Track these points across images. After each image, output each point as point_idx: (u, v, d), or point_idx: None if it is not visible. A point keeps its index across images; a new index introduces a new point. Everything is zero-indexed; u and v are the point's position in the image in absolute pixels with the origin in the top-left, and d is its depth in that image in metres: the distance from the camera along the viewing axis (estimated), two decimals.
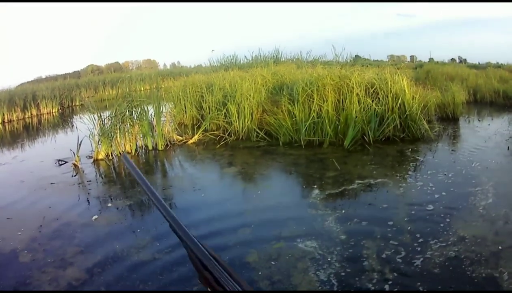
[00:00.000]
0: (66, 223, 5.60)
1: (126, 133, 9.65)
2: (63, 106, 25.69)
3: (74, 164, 8.84)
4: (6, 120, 22.72)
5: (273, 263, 4.00)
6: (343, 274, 3.70)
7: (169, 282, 3.84)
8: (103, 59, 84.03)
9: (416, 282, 3.50)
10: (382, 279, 3.59)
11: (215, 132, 10.24)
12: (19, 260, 4.66)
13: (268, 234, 4.67)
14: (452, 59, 28.69)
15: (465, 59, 27.60)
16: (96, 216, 5.73)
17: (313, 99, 9.06)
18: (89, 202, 6.53)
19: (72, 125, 17.11)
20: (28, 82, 40.37)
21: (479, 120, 11.27)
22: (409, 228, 4.55)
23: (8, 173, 9.43)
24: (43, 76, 44.56)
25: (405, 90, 8.96)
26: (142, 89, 21.67)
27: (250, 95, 10.23)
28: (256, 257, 4.14)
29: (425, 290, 3.38)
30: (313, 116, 8.90)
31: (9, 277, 4.28)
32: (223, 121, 10.49)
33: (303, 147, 8.71)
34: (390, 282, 3.52)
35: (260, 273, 3.84)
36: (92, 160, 9.21)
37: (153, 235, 4.94)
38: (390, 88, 8.91)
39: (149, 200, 5.47)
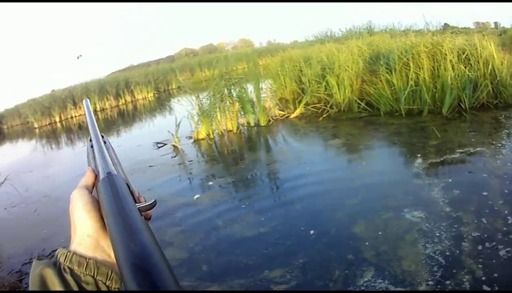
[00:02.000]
0: (166, 204, 5.76)
1: (227, 111, 9.84)
2: (159, 91, 26.99)
3: (173, 145, 9.14)
4: (98, 109, 24.35)
5: (380, 233, 3.99)
6: (452, 249, 3.50)
7: (274, 255, 3.85)
8: (196, 42, 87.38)
9: None
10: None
11: (317, 105, 10.17)
12: None
13: (375, 204, 4.68)
14: None
15: None
16: (198, 195, 5.86)
17: (409, 67, 8.95)
18: (190, 181, 6.70)
19: (170, 109, 17.87)
20: (119, 71, 42.85)
21: None
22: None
23: None
24: (135, 64, 47.20)
25: (494, 56, 8.65)
26: (240, 67, 22.15)
27: (348, 66, 10.15)
28: (363, 227, 4.15)
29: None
30: (411, 84, 8.82)
31: None
32: (324, 93, 10.42)
33: (403, 115, 8.60)
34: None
35: (366, 243, 3.83)
36: (192, 140, 9.49)
37: (257, 210, 4.97)
38: (480, 54, 8.66)
39: (252, 175, 5.57)
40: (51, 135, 20.29)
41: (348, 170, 6.23)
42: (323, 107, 9.93)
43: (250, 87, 10.26)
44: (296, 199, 5.10)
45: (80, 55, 25.05)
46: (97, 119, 17.93)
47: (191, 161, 8.04)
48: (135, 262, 0.51)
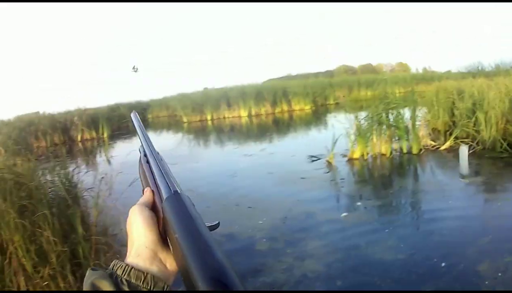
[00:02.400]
0: (313, 217, 6.14)
1: (382, 134, 10.12)
2: (316, 104, 27.30)
3: (327, 161, 9.58)
4: (253, 114, 25.37)
5: (499, 274, 4.13)
6: None
7: (406, 281, 4.13)
8: (356, 60, 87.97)
9: None
10: None
11: (465, 140, 10.00)
12: (255, 247, 5.32)
13: (502, 246, 4.74)
14: None
15: None
16: (346, 214, 6.16)
17: None
18: (339, 199, 7.09)
19: (326, 124, 18.23)
20: (277, 78, 44.16)
21: None
22: None
23: (255, 164, 10.62)
24: (293, 74, 48.60)
25: None
26: (397, 92, 22.30)
27: (495, 104, 10.05)
28: (486, 267, 4.26)
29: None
30: None
31: (243, 262, 4.92)
32: (472, 129, 10.39)
33: None
34: None
35: (486, 282, 4.00)
36: (346, 158, 9.84)
37: (398, 236, 5.23)
38: None
39: (397, 202, 5.94)
40: (200, 132, 21.55)
41: (484, 209, 6.31)
42: (470, 142, 9.96)
43: (406, 114, 10.46)
44: (434, 231, 5.34)
45: (136, 68, 25.91)
46: (251, 124, 19.00)
47: (343, 179, 8.39)
48: (214, 276, 0.54)
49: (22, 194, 5.15)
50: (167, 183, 0.76)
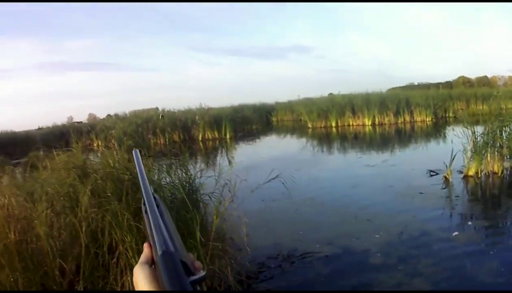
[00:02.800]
0: (427, 235, 6.26)
1: (496, 152, 9.88)
2: (436, 116, 26.93)
3: (445, 177, 9.57)
4: (377, 123, 25.42)
5: None
6: None
7: None
8: (473, 72, 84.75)
9: None
10: None
11: None
12: (369, 261, 5.53)
13: None
14: None
15: None
16: (457, 233, 6.21)
17: None
18: (452, 217, 7.11)
19: (445, 137, 17.91)
20: (400, 87, 43.78)
21: None
22: None
23: (376, 175, 10.82)
24: (415, 83, 48.06)
25: None
26: (510, 107, 21.23)
27: None
28: None
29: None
30: None
31: (354, 275, 5.20)
32: None
33: None
34: None
35: None
36: (462, 175, 9.74)
37: (502, 260, 5.22)
38: None
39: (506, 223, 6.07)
40: (324, 138, 21.88)
41: None
42: None
43: None
44: None
45: (162, 117, 26.16)
46: (374, 133, 19.12)
47: (458, 196, 8.38)
48: None
49: (139, 195, 5.38)
50: (160, 239, 0.79)
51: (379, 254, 5.69)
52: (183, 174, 6.01)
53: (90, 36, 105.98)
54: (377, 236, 6.30)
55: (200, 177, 6.12)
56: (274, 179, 6.24)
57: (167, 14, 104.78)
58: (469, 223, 6.78)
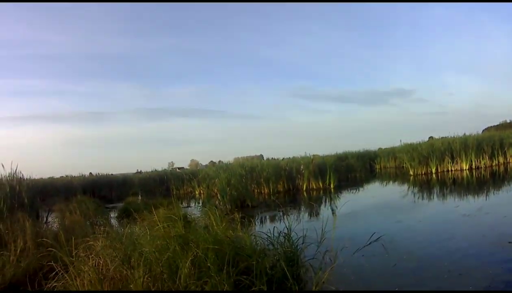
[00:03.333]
0: (509, 285, 6.47)
1: None
2: None
3: None
4: (473, 166, 25.50)
5: None
6: None
7: None
8: None
9: None
10: None
11: None
12: None
13: None
14: None
15: None
16: None
17: None
18: None
19: None
20: (494, 126, 42.92)
21: None
22: None
23: (470, 225, 10.99)
24: (508, 121, 46.90)
25: None
26: None
27: None
28: None
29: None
30: None
31: None
32: None
33: None
34: None
35: None
36: None
37: None
38: None
39: None
40: (425, 186, 21.79)
41: None
42: None
43: None
44: None
45: (173, 164, 26.16)
46: (471, 177, 19.43)
47: None
48: None
49: (241, 265, 5.52)
50: None
51: None
52: (286, 243, 6.61)
53: (191, 83, 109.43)
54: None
55: (303, 244, 6.69)
56: (375, 241, 7.02)
57: (270, 61, 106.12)
58: None
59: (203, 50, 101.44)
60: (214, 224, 7.37)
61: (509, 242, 8.70)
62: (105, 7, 75.52)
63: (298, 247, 6.77)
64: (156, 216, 7.95)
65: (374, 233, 7.19)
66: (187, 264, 5.42)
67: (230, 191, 19.33)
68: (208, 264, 5.42)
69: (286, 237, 6.85)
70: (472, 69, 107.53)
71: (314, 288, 5.78)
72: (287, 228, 7.02)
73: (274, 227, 7.24)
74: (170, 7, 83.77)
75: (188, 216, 11.01)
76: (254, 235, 7.25)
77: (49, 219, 17.57)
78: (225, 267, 5.26)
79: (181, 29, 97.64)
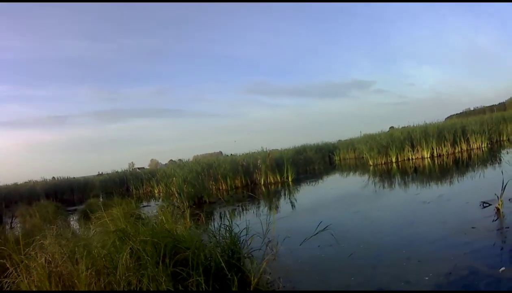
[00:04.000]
0: (473, 272, 6.17)
1: None
2: (491, 141, 27.02)
3: (497, 208, 9.31)
4: (435, 154, 25.41)
5: None
6: None
7: None
8: None
9: None
10: None
11: None
12: None
13: None
14: None
15: None
16: (503, 268, 6.08)
17: None
18: (501, 251, 6.93)
19: (499, 162, 17.87)
20: (456, 114, 43.52)
21: None
22: None
23: (431, 212, 10.72)
24: (471, 108, 47.69)
25: None
26: None
27: None
28: None
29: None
30: None
31: None
32: None
33: None
34: None
35: None
36: None
37: None
38: None
39: None
40: (385, 175, 21.86)
41: None
42: None
43: None
44: None
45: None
46: (433, 165, 19.25)
47: (508, 227, 8.14)
48: None
49: (178, 257, 5.60)
50: None
51: None
52: (228, 235, 6.58)
53: (150, 83, 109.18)
54: (427, 278, 6.27)
55: (246, 235, 6.67)
56: (322, 231, 6.85)
57: (227, 58, 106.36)
58: None
59: (160, 50, 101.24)
60: (164, 220, 7.28)
61: (472, 227, 8.45)
62: (61, 9, 73.96)
63: (241, 239, 6.70)
64: (105, 216, 7.95)
65: (321, 221, 6.98)
66: (124, 257, 5.46)
67: (187, 188, 19.30)
68: (146, 256, 5.47)
69: (227, 228, 6.75)
70: (433, 59, 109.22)
71: (252, 278, 5.89)
72: (229, 220, 6.91)
73: (228, 221, 7.04)
74: (126, 7, 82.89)
75: (142, 214, 10.98)
76: (203, 229, 7.41)
77: (13, 224, 17.88)
78: (160, 259, 5.30)
79: (138, 30, 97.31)
